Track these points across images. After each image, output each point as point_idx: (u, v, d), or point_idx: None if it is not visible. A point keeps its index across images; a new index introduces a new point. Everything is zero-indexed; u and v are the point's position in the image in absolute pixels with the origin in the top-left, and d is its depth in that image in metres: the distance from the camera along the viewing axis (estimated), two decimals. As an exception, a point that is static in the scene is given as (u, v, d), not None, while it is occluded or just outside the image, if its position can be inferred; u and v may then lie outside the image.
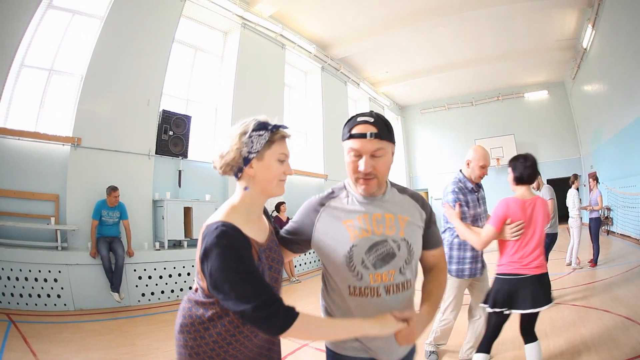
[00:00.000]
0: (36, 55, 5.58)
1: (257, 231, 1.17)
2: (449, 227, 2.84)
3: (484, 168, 2.80)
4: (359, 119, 1.19)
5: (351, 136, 1.18)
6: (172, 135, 6.63)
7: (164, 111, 6.58)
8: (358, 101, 15.01)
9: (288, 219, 7.71)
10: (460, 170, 2.91)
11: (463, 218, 2.67)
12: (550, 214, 5.04)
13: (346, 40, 11.29)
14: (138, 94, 6.14)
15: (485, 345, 2.46)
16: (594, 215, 6.88)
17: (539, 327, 2.52)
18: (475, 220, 2.76)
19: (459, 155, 16.53)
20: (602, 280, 5.80)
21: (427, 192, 18.20)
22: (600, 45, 10.31)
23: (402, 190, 1.35)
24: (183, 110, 7.26)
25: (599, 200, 6.78)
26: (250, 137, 1.13)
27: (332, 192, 1.31)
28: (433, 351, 3.20)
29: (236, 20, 8.21)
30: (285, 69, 10.14)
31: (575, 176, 7.05)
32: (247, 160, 1.13)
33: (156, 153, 6.36)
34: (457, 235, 2.72)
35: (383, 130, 1.17)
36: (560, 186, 8.77)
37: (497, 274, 2.42)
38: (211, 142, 7.97)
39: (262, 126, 1.17)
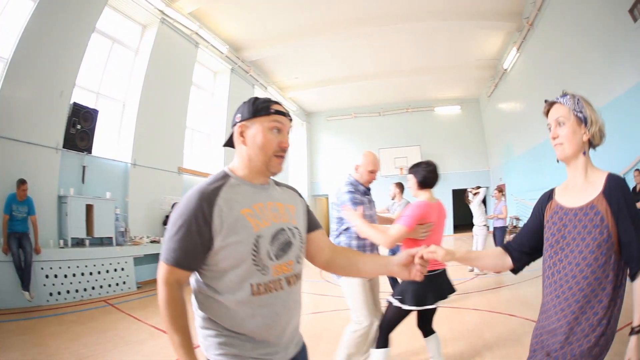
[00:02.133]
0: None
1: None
2: (344, 230, 3.08)
3: (372, 173, 3.15)
4: (271, 100, 1.38)
5: (277, 112, 1.35)
6: (80, 129, 7.27)
7: (75, 104, 7.21)
8: (264, 105, 16.47)
9: None
10: (350, 175, 3.27)
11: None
12: None
13: (260, 43, 12.73)
14: (53, 84, 6.70)
15: (384, 340, 2.79)
16: (499, 224, 8.07)
17: (437, 332, 2.96)
18: (369, 222, 3.00)
19: (362, 163, 19.09)
20: (508, 286, 6.58)
21: (327, 198, 20.67)
22: (523, 68, 12.69)
23: (276, 182, 1.50)
24: (92, 104, 7.91)
25: (503, 210, 7.99)
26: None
27: (218, 180, 1.31)
28: None
29: (156, 14, 9.11)
30: (195, 68, 11.23)
31: (478, 187, 8.46)
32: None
33: (63, 147, 6.98)
34: (355, 238, 3.01)
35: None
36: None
37: None
38: (116, 139, 8.71)
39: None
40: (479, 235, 7.94)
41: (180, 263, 1.20)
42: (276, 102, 1.39)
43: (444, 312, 5.27)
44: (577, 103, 1.44)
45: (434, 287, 2.70)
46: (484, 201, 8.48)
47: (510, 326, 4.36)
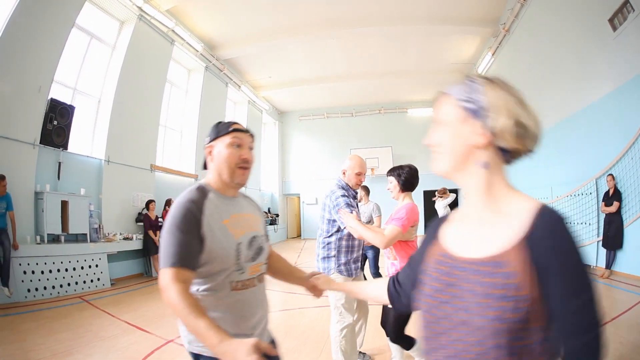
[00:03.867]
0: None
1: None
2: (335, 232, 3.22)
3: (359, 175, 3.30)
4: (231, 122, 1.64)
5: (235, 130, 1.59)
6: (56, 125, 7.33)
7: (52, 99, 7.28)
8: (237, 104, 16.73)
9: (157, 217, 9.06)
10: (340, 178, 3.35)
11: None
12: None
13: (235, 42, 12.98)
14: (31, 79, 6.77)
15: (404, 341, 2.95)
16: None
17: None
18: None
19: (333, 163, 19.29)
20: None
21: (299, 197, 21.00)
22: (497, 73, 11.94)
23: (240, 193, 1.73)
24: (69, 100, 7.97)
25: None
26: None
27: (201, 193, 1.53)
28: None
29: (134, 10, 9.23)
30: (170, 65, 11.36)
31: (444, 189, 8.81)
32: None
33: (40, 143, 7.04)
34: (345, 239, 3.20)
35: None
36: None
37: None
38: (90, 135, 8.79)
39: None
40: None
41: (184, 263, 1.35)
42: (235, 123, 1.63)
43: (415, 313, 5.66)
44: (471, 87, 0.94)
45: None
46: (454, 204, 8.70)
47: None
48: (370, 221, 6.20)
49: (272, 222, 18.48)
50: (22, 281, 6.15)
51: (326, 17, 11.74)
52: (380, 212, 6.38)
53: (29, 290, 6.21)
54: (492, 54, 12.86)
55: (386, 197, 3.34)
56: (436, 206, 8.57)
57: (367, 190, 6.61)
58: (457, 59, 14.89)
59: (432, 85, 17.64)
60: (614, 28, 7.08)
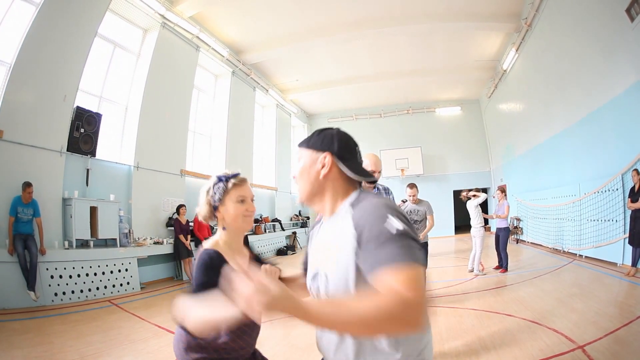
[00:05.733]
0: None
1: (237, 258, 1.59)
2: None
3: (374, 173, 3.27)
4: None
5: None
6: (83, 132, 7.36)
7: (78, 107, 7.32)
8: (265, 107, 16.63)
9: (188, 221, 8.97)
10: None
11: None
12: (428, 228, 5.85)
13: (260, 46, 12.83)
14: (56, 88, 6.81)
15: None
16: (503, 225, 8.05)
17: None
18: None
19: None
20: (507, 286, 6.59)
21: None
22: (522, 69, 12.72)
23: (356, 203, 1.18)
24: (95, 108, 8.02)
25: (505, 210, 7.97)
26: (213, 190, 1.64)
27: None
28: None
29: (157, 18, 9.23)
30: (197, 71, 11.32)
31: (477, 189, 8.40)
32: (215, 208, 1.62)
33: (67, 150, 7.07)
34: None
35: (303, 139, 1.34)
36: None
37: None
38: (119, 142, 8.81)
39: (219, 179, 1.65)
40: (477, 236, 7.96)
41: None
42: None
43: (442, 312, 5.34)
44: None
45: None
46: (484, 204, 8.46)
47: (507, 326, 4.38)
48: (424, 219, 5.87)
49: (303, 225, 18.26)
50: (49, 285, 6.13)
51: (350, 17, 11.49)
52: (432, 210, 6.00)
53: (55, 295, 6.19)
54: (516, 50, 12.42)
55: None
56: (467, 206, 8.18)
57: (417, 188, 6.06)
58: (482, 56, 14.48)
59: (458, 83, 17.45)
60: (632, 18, 6.77)
